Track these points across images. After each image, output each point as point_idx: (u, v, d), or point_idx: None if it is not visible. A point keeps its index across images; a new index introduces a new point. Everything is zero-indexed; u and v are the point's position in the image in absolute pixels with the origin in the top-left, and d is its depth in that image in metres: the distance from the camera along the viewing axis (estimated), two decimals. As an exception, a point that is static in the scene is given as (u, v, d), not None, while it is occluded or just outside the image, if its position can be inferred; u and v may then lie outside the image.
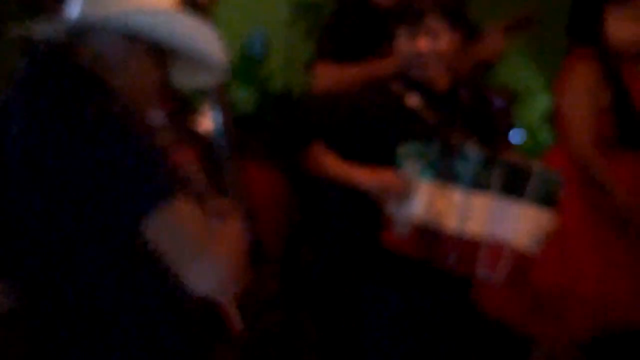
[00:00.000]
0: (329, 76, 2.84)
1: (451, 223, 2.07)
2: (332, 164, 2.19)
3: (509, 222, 2.08)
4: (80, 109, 1.34)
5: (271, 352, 2.99)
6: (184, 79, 1.60)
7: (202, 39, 1.48)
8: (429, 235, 2.09)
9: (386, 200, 2.10)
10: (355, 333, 2.44)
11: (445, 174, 2.07)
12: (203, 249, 1.32)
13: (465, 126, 2.23)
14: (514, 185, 2.08)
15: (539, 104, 4.61)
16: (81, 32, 1.43)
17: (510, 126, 4.54)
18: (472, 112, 2.27)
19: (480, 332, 3.12)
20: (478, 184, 2.07)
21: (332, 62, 2.84)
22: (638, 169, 2.78)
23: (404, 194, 2.07)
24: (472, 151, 2.06)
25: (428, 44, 2.15)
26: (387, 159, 2.14)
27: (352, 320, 2.55)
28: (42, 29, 1.48)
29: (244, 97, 5.04)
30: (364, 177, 2.14)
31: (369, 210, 2.18)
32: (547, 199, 2.10)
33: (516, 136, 4.53)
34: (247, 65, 4.87)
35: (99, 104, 1.35)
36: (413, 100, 2.20)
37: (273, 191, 1.68)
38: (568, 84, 2.71)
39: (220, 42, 1.52)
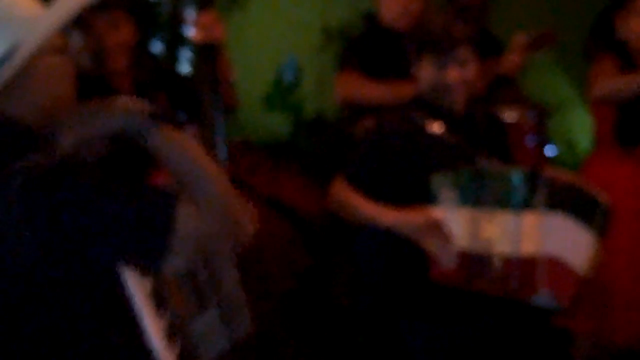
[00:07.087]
0: (351, 85, 2.95)
1: (504, 247, 1.99)
2: (358, 204, 2.16)
3: (565, 239, 2.00)
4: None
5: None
6: None
7: None
8: (478, 263, 2.03)
9: (422, 238, 2.06)
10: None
11: (482, 199, 2.02)
12: None
13: (484, 146, 2.22)
14: (580, 210, 2.01)
15: (573, 115, 4.57)
16: None
17: (545, 140, 4.52)
18: (487, 131, 2.28)
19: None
20: (525, 204, 1.99)
21: (355, 71, 2.93)
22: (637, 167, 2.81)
23: (440, 230, 2.04)
24: (514, 172, 2.00)
25: (457, 74, 2.16)
26: (414, 189, 2.12)
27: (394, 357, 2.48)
28: None
29: (277, 123, 5.09)
30: (395, 218, 2.10)
31: (405, 245, 2.13)
32: (601, 229, 2.06)
33: (551, 150, 4.50)
34: (280, 91, 4.89)
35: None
36: (435, 127, 2.20)
37: (278, 230, 1.69)
38: (597, 84, 2.78)
39: None
